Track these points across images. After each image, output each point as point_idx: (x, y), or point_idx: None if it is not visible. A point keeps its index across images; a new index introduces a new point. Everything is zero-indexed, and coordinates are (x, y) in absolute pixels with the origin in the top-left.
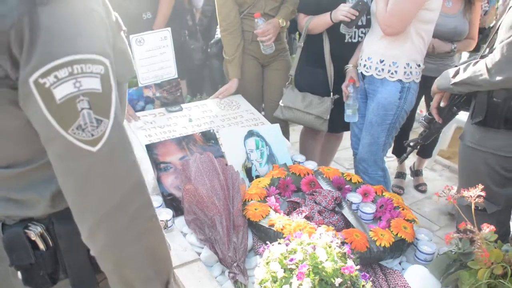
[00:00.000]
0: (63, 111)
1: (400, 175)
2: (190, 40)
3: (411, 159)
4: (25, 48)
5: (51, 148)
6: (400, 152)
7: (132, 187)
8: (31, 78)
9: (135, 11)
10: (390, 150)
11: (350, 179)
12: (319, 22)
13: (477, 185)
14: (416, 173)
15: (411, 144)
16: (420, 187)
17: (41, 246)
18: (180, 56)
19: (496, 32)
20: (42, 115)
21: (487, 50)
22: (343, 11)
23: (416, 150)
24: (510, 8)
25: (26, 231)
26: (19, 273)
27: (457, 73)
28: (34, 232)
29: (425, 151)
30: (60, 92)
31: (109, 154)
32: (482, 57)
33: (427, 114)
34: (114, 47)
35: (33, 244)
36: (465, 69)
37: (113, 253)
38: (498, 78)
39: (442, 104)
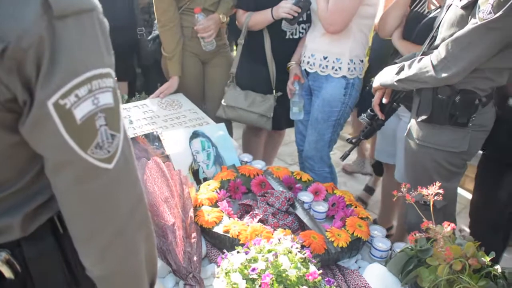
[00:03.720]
0: (83, 131)
1: (368, 189)
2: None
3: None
4: (43, 68)
5: (65, 172)
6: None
7: (138, 196)
8: (50, 100)
9: None
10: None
11: (300, 177)
12: (260, 18)
13: (426, 181)
14: (370, 190)
15: (353, 141)
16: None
17: (8, 274)
18: (133, 55)
19: (437, 30)
20: (60, 138)
21: (427, 47)
22: (285, 8)
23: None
24: (449, 6)
25: None
26: None
27: (401, 69)
28: None
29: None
30: (81, 112)
31: (123, 168)
32: (424, 54)
33: (368, 110)
34: None
35: None
36: (410, 66)
37: (122, 267)
38: (444, 74)
39: (384, 101)
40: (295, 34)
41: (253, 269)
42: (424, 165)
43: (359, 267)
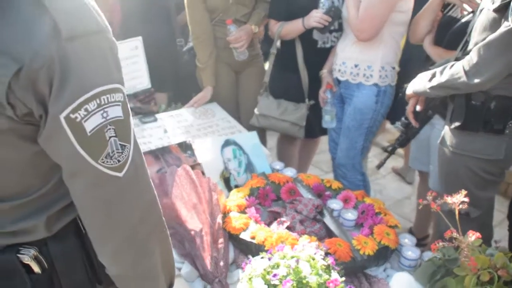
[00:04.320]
0: (94, 142)
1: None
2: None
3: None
4: (55, 85)
5: (78, 180)
6: None
7: (150, 202)
8: (62, 114)
9: None
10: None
11: (330, 185)
12: (291, 28)
13: (459, 190)
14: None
15: (388, 149)
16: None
17: (36, 269)
18: (173, 66)
19: (469, 35)
20: (72, 149)
21: (461, 53)
22: (315, 17)
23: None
24: (481, 10)
25: (19, 255)
26: None
27: (433, 76)
28: (28, 256)
29: None
30: (91, 124)
31: (133, 175)
32: (457, 59)
33: (403, 118)
34: None
35: (27, 268)
36: (441, 72)
37: (136, 269)
38: (477, 80)
39: (418, 108)
40: (327, 43)
41: (275, 275)
42: (458, 173)
43: (388, 276)
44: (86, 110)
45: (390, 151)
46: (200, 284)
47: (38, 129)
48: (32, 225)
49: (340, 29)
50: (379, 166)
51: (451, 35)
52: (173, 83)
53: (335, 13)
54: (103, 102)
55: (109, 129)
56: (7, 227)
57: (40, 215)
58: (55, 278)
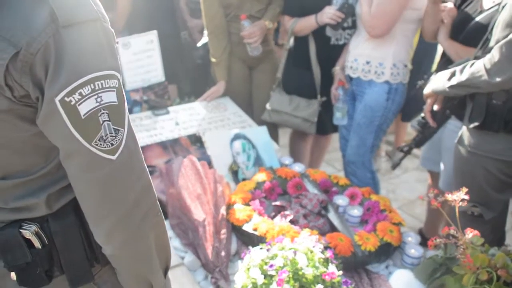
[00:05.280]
0: (88, 125)
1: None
2: (191, 40)
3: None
4: (50, 70)
5: (73, 160)
6: None
7: (144, 186)
8: (57, 97)
9: None
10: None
11: (337, 181)
12: (305, 24)
13: (475, 191)
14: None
15: (404, 149)
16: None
17: (37, 244)
18: (178, 59)
19: (490, 32)
20: (67, 130)
21: (480, 50)
22: (328, 14)
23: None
24: (504, 6)
25: (21, 230)
26: (12, 275)
27: (453, 75)
28: (29, 231)
29: None
30: (85, 108)
31: (126, 159)
32: (476, 57)
33: (420, 118)
34: None
35: (28, 243)
36: (462, 71)
37: (129, 250)
38: (499, 79)
39: (436, 108)
40: (340, 40)
41: (271, 266)
42: (474, 174)
43: (390, 273)
44: (80, 94)
45: (406, 151)
46: (202, 273)
47: (36, 111)
48: (33, 202)
49: (353, 26)
50: (394, 166)
51: (469, 31)
52: (179, 75)
53: (348, 10)
54: (97, 87)
55: (103, 113)
56: (10, 204)
57: (42, 193)
58: (54, 253)
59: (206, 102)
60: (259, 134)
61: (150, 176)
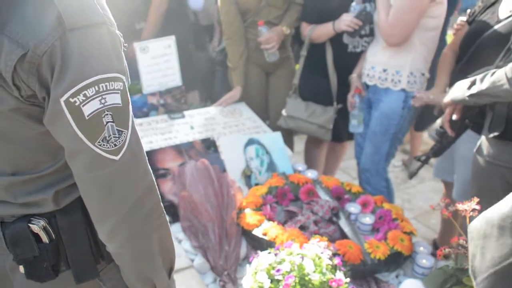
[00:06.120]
0: (91, 126)
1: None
2: (197, 51)
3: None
4: (56, 71)
5: (77, 159)
6: None
7: (147, 187)
8: (62, 98)
9: (128, 20)
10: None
11: (350, 189)
12: (322, 31)
13: (492, 202)
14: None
15: (422, 159)
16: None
17: (45, 239)
18: (188, 67)
19: None
20: (71, 130)
21: (502, 61)
22: (346, 21)
23: None
24: None
25: (30, 225)
26: (20, 268)
27: (473, 84)
28: (38, 226)
29: None
30: (89, 109)
31: (130, 160)
32: (498, 67)
33: (438, 127)
34: None
35: (36, 237)
36: (482, 80)
37: (131, 249)
38: None
39: (454, 117)
40: (358, 47)
41: (278, 270)
42: (492, 185)
43: (400, 283)
44: (84, 95)
45: (423, 161)
46: (211, 276)
47: (43, 110)
48: (41, 198)
49: (371, 34)
50: (411, 176)
51: (485, 39)
52: (195, 82)
53: (365, 17)
54: (101, 89)
55: (107, 114)
56: (19, 199)
57: (49, 190)
58: (61, 248)
59: (222, 107)
60: (273, 140)
61: (153, 178)
